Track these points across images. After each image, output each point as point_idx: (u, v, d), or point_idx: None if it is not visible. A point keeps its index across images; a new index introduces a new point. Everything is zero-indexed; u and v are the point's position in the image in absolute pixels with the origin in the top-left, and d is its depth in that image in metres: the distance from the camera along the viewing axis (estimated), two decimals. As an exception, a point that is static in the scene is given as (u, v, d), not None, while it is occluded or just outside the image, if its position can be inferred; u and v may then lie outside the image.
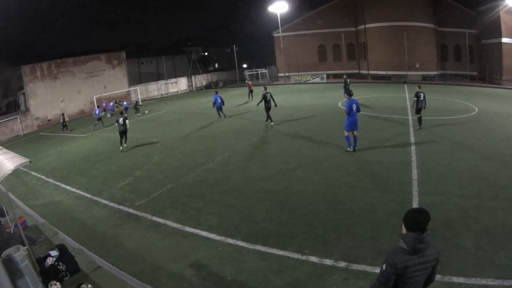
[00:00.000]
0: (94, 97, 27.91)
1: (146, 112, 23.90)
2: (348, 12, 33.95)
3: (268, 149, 11.40)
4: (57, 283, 4.87)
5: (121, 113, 14.24)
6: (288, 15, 36.59)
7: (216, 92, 18.30)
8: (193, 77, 39.07)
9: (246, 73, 38.82)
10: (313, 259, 5.10)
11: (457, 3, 28.18)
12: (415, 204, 6.46)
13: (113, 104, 25.39)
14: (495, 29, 23.96)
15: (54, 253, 5.31)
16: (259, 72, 38.89)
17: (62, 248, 5.49)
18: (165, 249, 5.90)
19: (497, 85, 23.90)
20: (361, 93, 21.71)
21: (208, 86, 38.68)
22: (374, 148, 10.30)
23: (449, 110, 15.33)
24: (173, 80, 37.66)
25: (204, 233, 6.26)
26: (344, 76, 21.67)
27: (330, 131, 12.65)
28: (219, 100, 17.38)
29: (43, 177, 11.29)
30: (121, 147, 13.45)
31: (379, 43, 31.31)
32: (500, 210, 5.98)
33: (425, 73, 29.53)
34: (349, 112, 9.71)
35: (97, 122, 20.19)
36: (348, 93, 10.49)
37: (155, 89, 35.40)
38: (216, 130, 15.23)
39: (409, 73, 29.54)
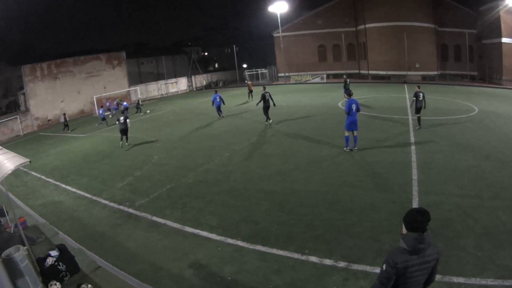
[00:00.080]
0: (94, 97, 27.88)
1: (148, 112, 23.92)
2: (348, 12, 33.95)
3: (268, 149, 11.39)
4: (57, 283, 4.87)
5: (122, 112, 14.35)
6: (288, 15, 36.62)
7: (216, 92, 18.40)
8: (193, 77, 39.08)
9: (246, 73, 38.82)
10: (313, 259, 5.10)
11: (457, 3, 28.20)
12: (415, 204, 6.46)
13: (116, 104, 25.53)
14: (495, 29, 23.97)
15: (54, 253, 5.31)
16: (259, 72, 38.88)
17: (62, 248, 5.49)
18: (165, 249, 5.90)
19: (497, 85, 23.91)
20: (361, 93, 21.72)
21: (208, 86, 38.68)
22: (374, 148, 10.30)
23: (449, 110, 15.33)
24: (173, 80, 37.66)
25: (204, 233, 6.26)
26: (344, 76, 21.70)
27: (330, 131, 12.65)
28: (218, 99, 17.43)
29: (43, 177, 11.29)
30: (121, 142, 13.89)
31: (379, 43, 31.32)
32: (500, 210, 5.98)
33: (425, 73, 29.53)
34: (349, 112, 9.72)
35: (101, 122, 20.33)
36: (348, 93, 10.51)
37: (155, 89, 35.40)
38: (216, 130, 15.23)
39: (409, 73, 29.54)
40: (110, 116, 23.99)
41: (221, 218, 6.78)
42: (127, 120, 13.80)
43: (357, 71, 34.53)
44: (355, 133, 9.95)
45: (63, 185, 10.14)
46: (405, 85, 25.74)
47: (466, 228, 5.51)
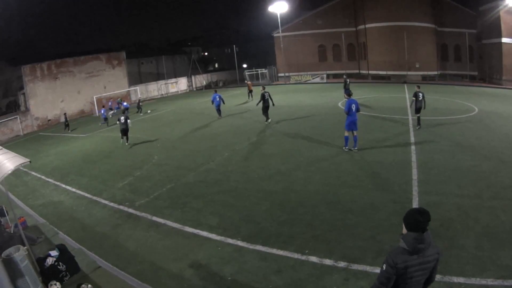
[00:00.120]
0: (94, 97, 27.91)
1: (149, 111, 23.95)
2: (348, 12, 33.95)
3: (268, 149, 11.39)
4: (57, 283, 4.87)
5: (123, 112, 14.46)
6: (288, 15, 36.61)
7: (216, 91, 18.45)
8: (193, 77, 39.09)
9: (246, 73, 38.83)
10: (313, 259, 5.10)
11: (457, 3, 28.21)
12: (415, 204, 6.46)
13: (117, 103, 25.69)
14: (495, 29, 23.97)
15: (54, 253, 5.31)
16: (259, 72, 38.89)
17: (62, 248, 5.50)
18: (165, 249, 5.90)
19: (497, 85, 23.91)
20: (361, 93, 21.73)
21: (208, 86, 38.68)
22: (374, 148, 10.30)
23: (449, 110, 15.33)
24: (173, 80, 37.67)
25: (204, 233, 6.26)
26: (344, 76, 21.70)
27: (330, 131, 12.65)
28: (218, 99, 17.45)
29: (43, 177, 11.29)
30: (121, 140, 14.15)
31: (379, 43, 31.32)
32: (500, 210, 5.98)
33: (425, 73, 29.53)
34: (348, 112, 9.72)
35: (104, 121, 20.38)
36: (348, 93, 10.52)
37: (155, 89, 35.40)
38: (216, 130, 15.24)
39: (409, 73, 29.55)
40: (111, 115, 24.03)
41: (221, 218, 6.78)
42: (128, 121, 13.92)
43: (357, 71, 34.53)
44: (355, 133, 9.95)
45: (63, 185, 10.14)
46: (405, 85, 25.74)
47: (466, 228, 5.51)
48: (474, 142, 10.27)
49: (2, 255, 4.40)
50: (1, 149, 5.77)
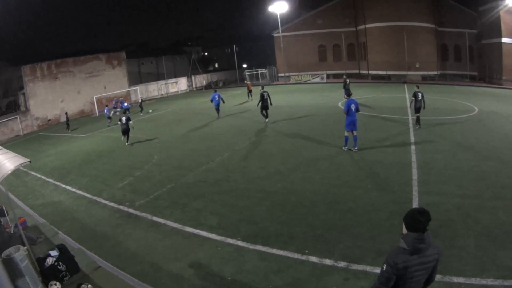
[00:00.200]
0: (94, 97, 27.91)
1: (150, 111, 23.98)
2: (348, 12, 33.94)
3: (268, 149, 11.39)
4: (57, 283, 4.87)
5: (124, 113, 14.51)
6: (288, 15, 36.58)
7: (215, 91, 18.49)
8: (193, 77, 39.08)
9: (246, 73, 38.83)
10: (313, 259, 5.10)
11: (457, 3, 28.20)
12: (415, 204, 6.46)
13: (119, 102, 25.79)
14: (495, 29, 23.97)
15: (54, 253, 5.31)
16: (259, 72, 38.89)
17: (62, 248, 5.49)
18: (165, 249, 5.90)
19: (497, 85, 23.90)
20: (361, 93, 21.74)
21: (208, 86, 38.67)
22: (374, 148, 10.30)
23: (449, 110, 15.33)
24: (173, 80, 37.66)
25: (204, 233, 6.26)
26: (344, 76, 21.72)
27: (330, 131, 12.65)
28: (217, 98, 17.48)
29: (43, 177, 11.29)
30: (122, 138, 14.39)
31: (379, 43, 31.32)
32: (500, 210, 5.98)
33: (425, 73, 29.54)
34: (348, 112, 9.73)
35: (109, 121, 20.50)
36: (347, 93, 10.52)
37: (155, 89, 35.40)
38: (216, 130, 15.24)
39: (409, 73, 29.55)
40: (112, 114, 24.06)
41: (221, 218, 6.78)
42: (130, 122, 14.00)
43: (357, 71, 34.53)
44: (355, 133, 9.95)
45: (63, 185, 10.14)
46: (405, 85, 25.73)
47: (466, 228, 5.51)
48: (474, 142, 10.27)
49: (2, 255, 4.40)
50: (1, 149, 5.77)
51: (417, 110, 12.09)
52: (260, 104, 15.27)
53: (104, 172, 10.95)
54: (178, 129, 16.45)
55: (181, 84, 37.71)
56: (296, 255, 5.23)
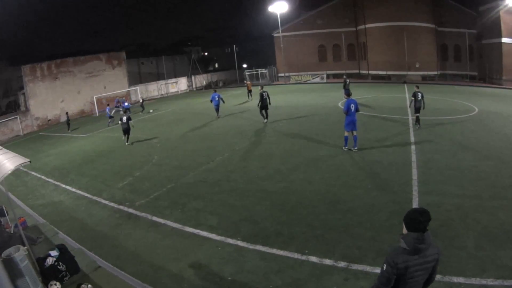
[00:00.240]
0: (94, 97, 27.91)
1: (151, 111, 24.01)
2: (348, 12, 33.95)
3: (268, 149, 11.39)
4: (57, 283, 4.87)
5: (125, 112, 14.57)
6: (288, 15, 36.59)
7: (215, 91, 18.55)
8: (193, 77, 39.08)
9: (246, 73, 38.83)
10: (313, 259, 5.10)
11: (457, 3, 28.21)
12: (415, 204, 6.46)
13: (119, 102, 25.83)
14: (495, 29, 23.97)
15: (54, 253, 5.31)
16: (259, 72, 38.89)
17: (62, 248, 5.49)
18: (165, 249, 5.90)
19: (497, 85, 23.91)
20: (361, 93, 21.73)
21: (208, 86, 38.67)
22: (374, 148, 10.30)
23: (449, 110, 15.33)
24: (173, 80, 37.66)
25: (204, 233, 6.26)
26: (344, 76, 21.73)
27: (330, 131, 12.65)
28: (217, 98, 17.54)
29: (43, 177, 11.29)
30: (123, 137, 14.33)
31: (379, 43, 31.32)
32: (500, 210, 5.98)
33: (425, 73, 29.54)
34: (347, 112, 9.73)
35: (109, 120, 20.46)
36: (347, 93, 10.53)
37: (155, 89, 35.40)
38: (216, 130, 15.24)
39: (409, 73, 29.55)
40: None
41: (221, 218, 6.77)
42: (130, 122, 14.07)
43: (357, 71, 34.53)
44: (355, 133, 9.95)
45: (63, 185, 10.14)
46: (405, 85, 25.73)
47: (466, 228, 5.51)
48: (474, 142, 10.27)
49: (2, 255, 4.39)
50: (1, 149, 5.77)
51: (417, 110, 12.09)
52: (260, 104, 15.30)
53: (104, 172, 10.94)
54: (178, 129, 16.44)
55: (181, 84, 37.71)
56: (296, 255, 5.23)
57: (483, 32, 25.91)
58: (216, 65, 57.91)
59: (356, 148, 10.03)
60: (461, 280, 4.29)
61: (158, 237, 6.35)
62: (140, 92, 32.19)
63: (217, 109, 17.73)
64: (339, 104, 18.37)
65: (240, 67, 42.71)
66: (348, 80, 20.39)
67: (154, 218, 7.14)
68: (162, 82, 36.49)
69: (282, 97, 23.38)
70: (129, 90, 32.29)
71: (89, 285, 4.73)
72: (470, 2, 27.11)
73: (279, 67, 38.28)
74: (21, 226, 5.95)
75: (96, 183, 9.97)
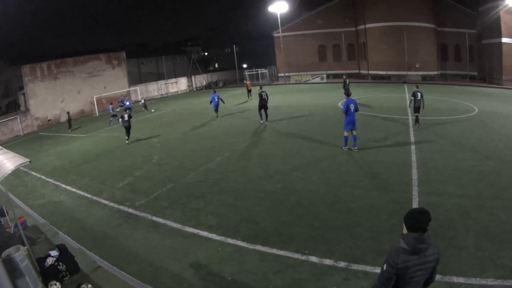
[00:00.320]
0: (94, 97, 27.90)
1: (152, 110, 24.01)
2: (348, 12, 33.95)
3: (268, 149, 11.39)
4: (57, 283, 4.87)
5: (125, 110, 14.67)
6: (288, 15, 36.58)
7: (215, 91, 18.59)
8: (193, 77, 39.07)
9: (246, 73, 38.82)
10: (313, 259, 5.10)
11: (457, 3, 28.20)
12: (415, 204, 6.46)
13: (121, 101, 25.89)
14: (495, 29, 23.96)
15: (54, 253, 5.31)
16: (259, 72, 38.89)
17: (62, 248, 5.49)
18: (165, 249, 5.90)
19: (497, 85, 23.90)
20: (361, 93, 21.73)
21: (208, 86, 38.65)
22: (374, 148, 10.30)
23: (449, 110, 15.33)
24: (173, 80, 37.65)
25: (204, 233, 6.26)
26: (344, 76, 21.73)
27: (330, 131, 12.65)
28: (216, 99, 17.63)
29: (43, 177, 11.29)
30: (126, 136, 14.48)
31: (379, 43, 31.31)
32: (500, 210, 5.98)
33: (425, 73, 29.53)
34: (347, 112, 9.73)
35: (111, 118, 20.47)
36: (346, 93, 10.53)
37: (155, 89, 35.38)
38: (216, 130, 15.24)
39: (409, 73, 29.54)
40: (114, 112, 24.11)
41: (221, 218, 6.78)
42: (131, 119, 14.21)
43: (357, 71, 34.53)
44: (354, 132, 9.95)
45: (63, 185, 10.14)
46: (405, 85, 25.73)
47: (466, 228, 5.51)
48: (474, 142, 10.27)
49: (2, 255, 4.39)
50: (1, 149, 5.77)
51: (417, 109, 12.10)
52: (258, 103, 15.30)
53: (104, 172, 10.94)
54: (178, 129, 16.44)
55: (181, 84, 37.70)
56: (296, 255, 5.23)
57: (483, 32, 25.90)
58: (216, 65, 57.92)
59: (356, 148, 10.03)
60: (461, 280, 4.29)
61: (158, 237, 6.35)
62: (140, 92, 32.18)
63: (216, 110, 17.84)
64: (339, 104, 18.36)
65: (240, 67, 42.68)
66: (348, 80, 20.40)
67: (154, 218, 7.13)
68: (162, 82, 36.47)
69: (282, 97, 23.38)
70: (129, 90, 32.28)
71: (89, 285, 4.72)
72: (470, 2, 27.13)
73: (279, 67, 38.28)
74: (21, 226, 5.95)
75: (96, 183, 9.97)
